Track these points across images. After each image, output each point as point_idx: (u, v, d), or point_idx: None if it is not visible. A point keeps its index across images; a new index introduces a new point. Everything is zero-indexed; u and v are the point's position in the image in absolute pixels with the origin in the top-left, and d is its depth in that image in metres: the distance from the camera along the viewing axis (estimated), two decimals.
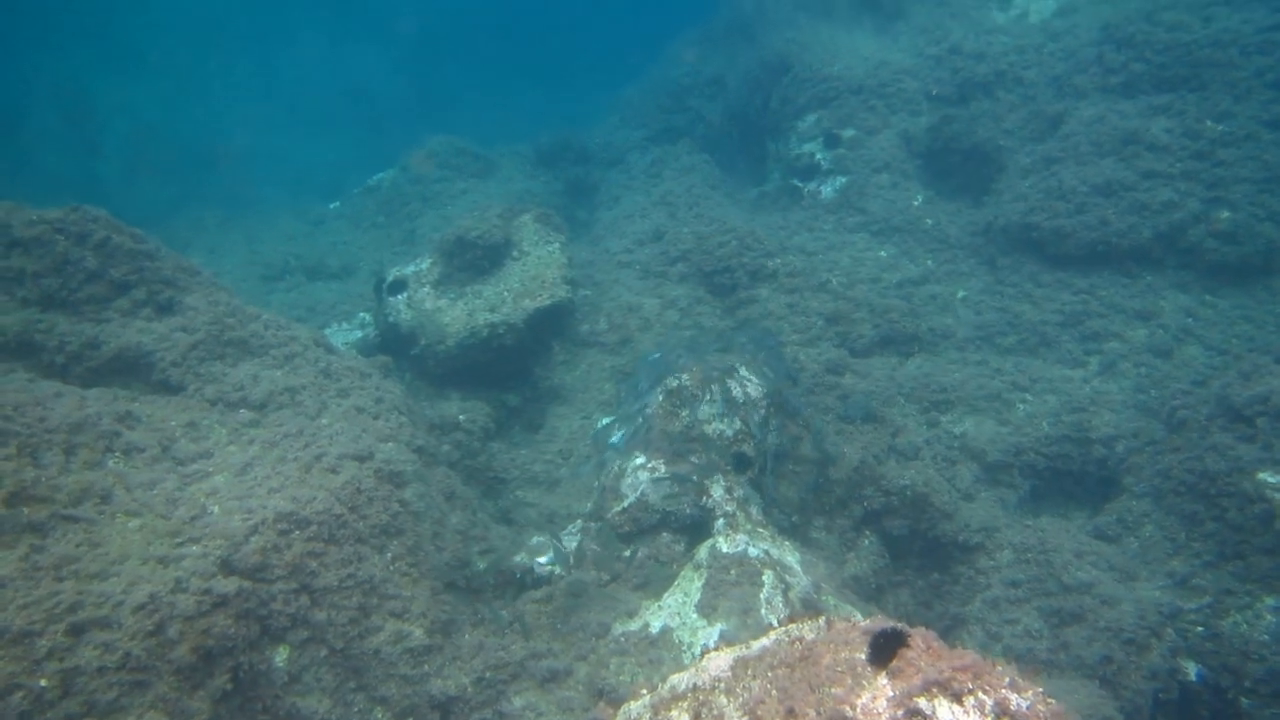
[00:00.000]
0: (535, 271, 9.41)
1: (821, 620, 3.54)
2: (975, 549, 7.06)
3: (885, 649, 2.89)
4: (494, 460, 8.51)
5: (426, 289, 9.39)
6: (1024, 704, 2.54)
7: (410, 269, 9.70)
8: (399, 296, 9.45)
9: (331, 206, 15.21)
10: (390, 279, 9.67)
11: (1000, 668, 2.79)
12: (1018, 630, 6.34)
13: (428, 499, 6.21)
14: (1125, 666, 5.67)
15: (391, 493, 5.84)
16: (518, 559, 6.90)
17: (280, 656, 4.79)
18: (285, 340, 6.90)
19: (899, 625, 3.02)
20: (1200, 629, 5.82)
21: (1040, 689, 2.65)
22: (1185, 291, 9.08)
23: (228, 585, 4.58)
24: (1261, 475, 6.12)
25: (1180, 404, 7.42)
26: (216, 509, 5.09)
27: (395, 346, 9.36)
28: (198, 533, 4.80)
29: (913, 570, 7.43)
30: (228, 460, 5.67)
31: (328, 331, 10.18)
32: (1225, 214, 9.11)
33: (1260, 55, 9.79)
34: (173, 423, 5.68)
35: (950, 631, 6.85)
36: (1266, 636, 5.57)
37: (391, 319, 9.37)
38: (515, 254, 9.64)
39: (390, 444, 6.30)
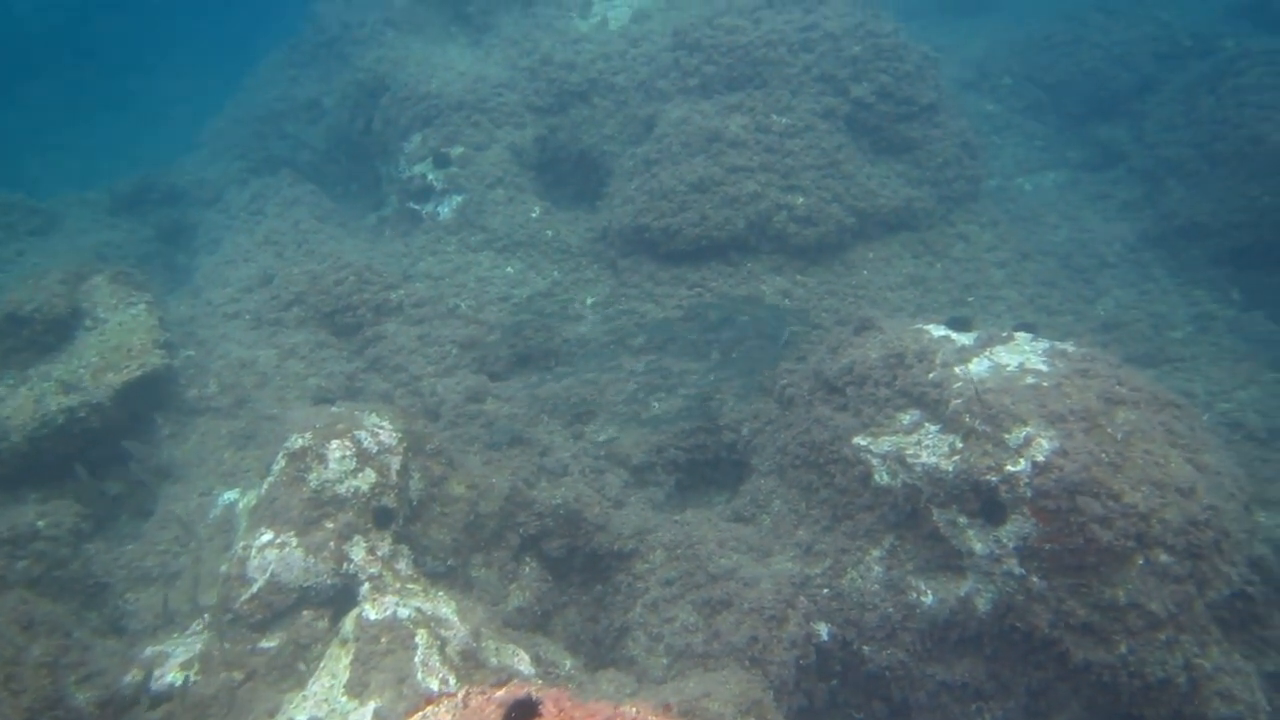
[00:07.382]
0: (117, 340, 8.18)
1: (460, 696, 3.37)
2: (631, 555, 7.16)
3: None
4: (92, 564, 7.31)
5: None
6: None
7: None
8: None
9: None
10: None
11: (634, 709, 2.77)
12: (676, 627, 6.50)
13: None
14: (769, 642, 6.00)
15: None
16: (128, 678, 5.95)
17: None
18: None
19: (531, 694, 3.00)
20: (825, 590, 6.32)
21: None
22: (780, 274, 9.92)
23: None
24: (856, 440, 6.77)
25: (787, 382, 8.07)
26: None
27: None
28: None
29: (576, 587, 7.40)
30: None
31: None
32: (800, 200, 10.08)
33: (804, 52, 10.93)
34: None
35: (617, 641, 6.89)
36: (876, 585, 6.17)
37: None
38: (89, 323, 8.33)
39: None
